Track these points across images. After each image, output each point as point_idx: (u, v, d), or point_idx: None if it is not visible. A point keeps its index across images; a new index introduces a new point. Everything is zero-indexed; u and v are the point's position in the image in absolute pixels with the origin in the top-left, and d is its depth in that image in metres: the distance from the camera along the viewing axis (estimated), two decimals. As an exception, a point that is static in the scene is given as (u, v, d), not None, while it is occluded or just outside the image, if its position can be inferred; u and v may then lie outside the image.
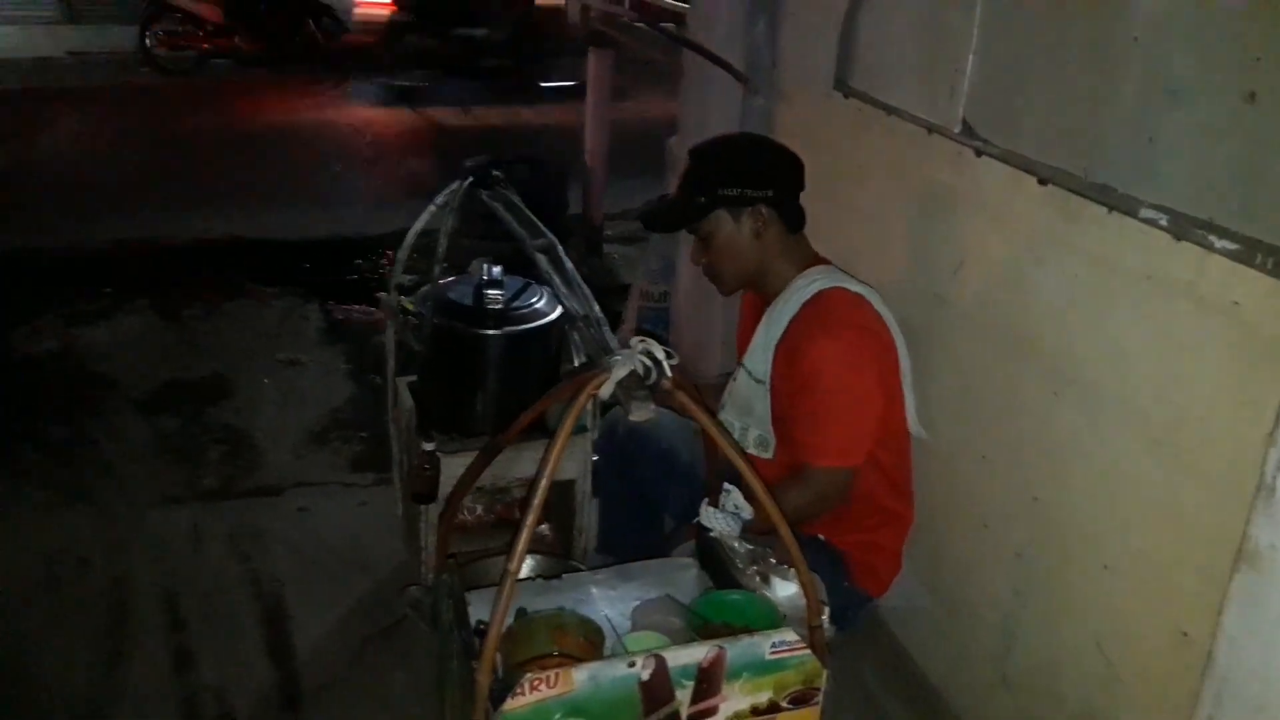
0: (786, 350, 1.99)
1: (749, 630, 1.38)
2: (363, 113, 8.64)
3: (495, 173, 2.30)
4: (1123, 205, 1.57)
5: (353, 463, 3.30)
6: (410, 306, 4.95)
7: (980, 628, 2.03)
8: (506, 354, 2.35)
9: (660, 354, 1.32)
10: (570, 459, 2.44)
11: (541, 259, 1.73)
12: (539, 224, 1.90)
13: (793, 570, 1.58)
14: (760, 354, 2.06)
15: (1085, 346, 1.70)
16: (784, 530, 1.37)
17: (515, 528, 2.31)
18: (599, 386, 1.29)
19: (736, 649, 1.30)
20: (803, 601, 1.53)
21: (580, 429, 2.42)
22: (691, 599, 1.56)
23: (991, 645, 1.99)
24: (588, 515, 2.50)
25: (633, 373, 1.29)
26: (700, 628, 1.40)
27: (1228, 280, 1.39)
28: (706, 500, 1.70)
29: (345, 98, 9.04)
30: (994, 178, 1.90)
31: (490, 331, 2.32)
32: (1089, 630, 1.72)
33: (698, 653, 1.28)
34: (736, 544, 1.66)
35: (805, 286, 2.02)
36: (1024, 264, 1.85)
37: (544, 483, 1.26)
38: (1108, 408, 1.65)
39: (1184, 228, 1.45)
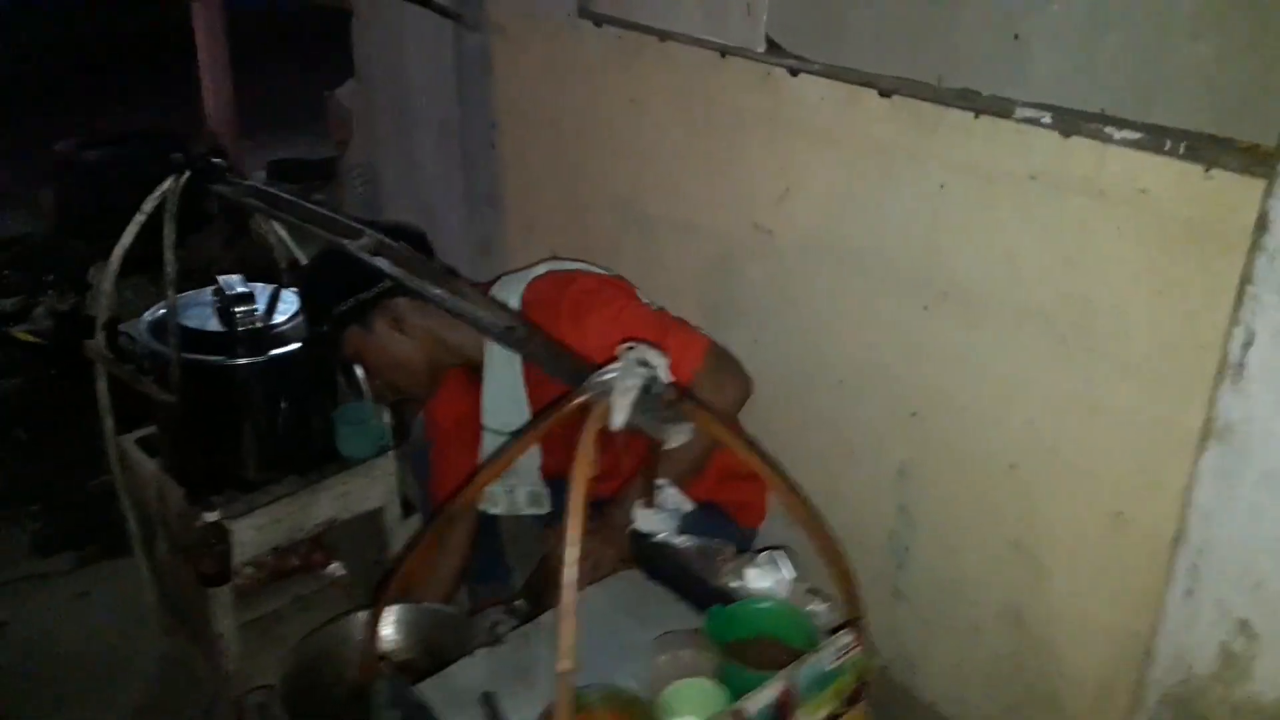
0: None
1: (781, 642, 1.22)
2: None
3: (216, 160, 1.83)
4: (993, 108, 1.54)
5: (37, 546, 2.63)
6: (29, 338, 4.00)
7: (864, 548, 2.01)
8: (281, 381, 1.92)
9: (656, 358, 1.07)
10: (373, 484, 2.08)
11: (383, 263, 1.36)
12: (339, 216, 1.51)
13: (761, 555, 1.44)
14: (507, 403, 1.80)
15: (960, 256, 1.67)
16: (804, 511, 1.20)
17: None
18: (604, 418, 1.02)
19: (803, 672, 1.13)
20: (783, 591, 1.39)
21: (383, 449, 2.07)
22: (675, 619, 1.36)
23: (879, 564, 1.98)
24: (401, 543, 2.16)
25: (642, 389, 1.04)
26: (729, 648, 1.21)
27: (1132, 170, 1.40)
28: (641, 502, 1.48)
29: None
30: (818, 96, 1.81)
31: (254, 360, 1.88)
32: (1002, 533, 1.74)
33: (771, 693, 1.10)
34: (681, 542, 1.47)
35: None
36: (868, 183, 1.79)
37: (572, 549, 0.98)
38: (996, 312, 1.64)
39: (1073, 123, 1.44)
